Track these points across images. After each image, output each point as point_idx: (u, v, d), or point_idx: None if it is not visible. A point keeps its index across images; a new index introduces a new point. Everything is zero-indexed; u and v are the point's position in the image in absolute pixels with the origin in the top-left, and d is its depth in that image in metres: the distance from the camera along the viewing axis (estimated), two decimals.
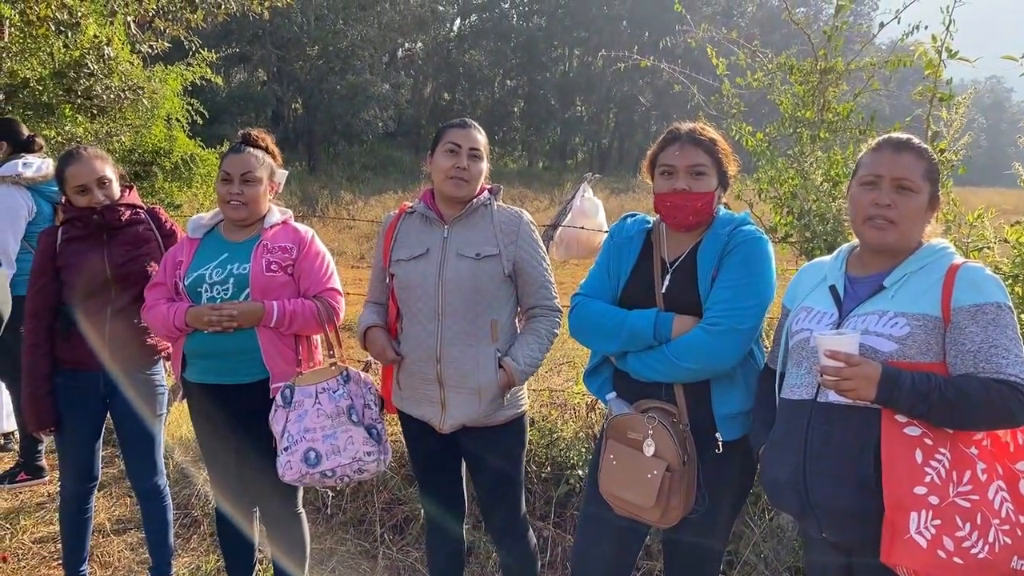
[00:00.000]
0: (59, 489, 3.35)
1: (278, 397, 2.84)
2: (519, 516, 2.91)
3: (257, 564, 3.32)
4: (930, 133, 3.46)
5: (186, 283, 2.89)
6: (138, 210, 3.25)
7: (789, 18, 3.98)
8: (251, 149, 2.97)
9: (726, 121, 3.93)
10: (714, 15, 34.05)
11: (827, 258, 2.31)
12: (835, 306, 2.11)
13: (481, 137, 2.77)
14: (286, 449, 2.77)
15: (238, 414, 2.93)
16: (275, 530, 3.11)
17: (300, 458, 2.73)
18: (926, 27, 3.71)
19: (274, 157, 3.06)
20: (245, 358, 2.87)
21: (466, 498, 3.04)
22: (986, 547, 1.81)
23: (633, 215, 2.64)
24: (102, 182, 3.13)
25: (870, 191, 2.06)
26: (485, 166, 2.78)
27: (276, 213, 3.04)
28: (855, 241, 2.21)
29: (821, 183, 3.64)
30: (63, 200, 3.21)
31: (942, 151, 3.36)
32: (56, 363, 3.13)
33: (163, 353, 3.30)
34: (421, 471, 3.00)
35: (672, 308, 2.36)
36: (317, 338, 3.09)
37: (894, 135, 2.13)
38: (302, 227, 3.06)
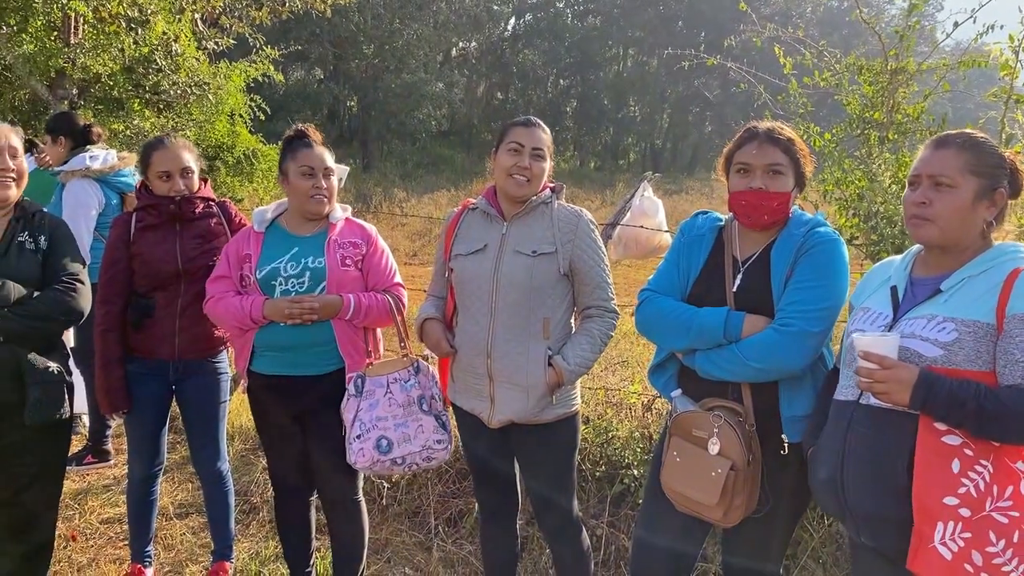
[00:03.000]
0: (127, 471, 3.44)
1: (350, 386, 2.89)
2: (571, 516, 2.90)
3: (314, 552, 3.38)
4: (1004, 136, 3.38)
5: (259, 276, 2.93)
6: (211, 203, 3.31)
7: (860, 18, 3.91)
8: (319, 144, 3.02)
9: (792, 120, 3.88)
10: (772, 15, 33.52)
11: (898, 257, 2.27)
12: (891, 308, 2.08)
13: (545, 136, 2.78)
14: (358, 437, 2.83)
15: (307, 404, 2.98)
16: (335, 517, 3.15)
17: (372, 445, 2.80)
18: (1001, 27, 3.63)
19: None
20: (321, 349, 2.93)
21: (520, 493, 3.05)
22: (1021, 566, 1.76)
23: (705, 213, 2.62)
24: (186, 172, 3.21)
25: (913, 191, 2.04)
26: (548, 165, 2.78)
27: (339, 208, 3.08)
28: None
29: (889, 185, 3.57)
30: (137, 187, 3.28)
31: (1017, 154, 3.27)
32: (127, 350, 3.21)
33: (226, 345, 3.38)
34: (474, 465, 3.02)
35: (743, 307, 2.34)
36: (379, 331, 3.14)
37: (942, 133, 2.09)
38: (366, 223, 3.12)
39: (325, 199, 2.96)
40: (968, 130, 2.08)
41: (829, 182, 3.74)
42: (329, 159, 3.00)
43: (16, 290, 2.56)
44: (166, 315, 3.16)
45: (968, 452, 1.83)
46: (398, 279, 3.09)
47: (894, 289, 2.11)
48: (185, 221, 3.20)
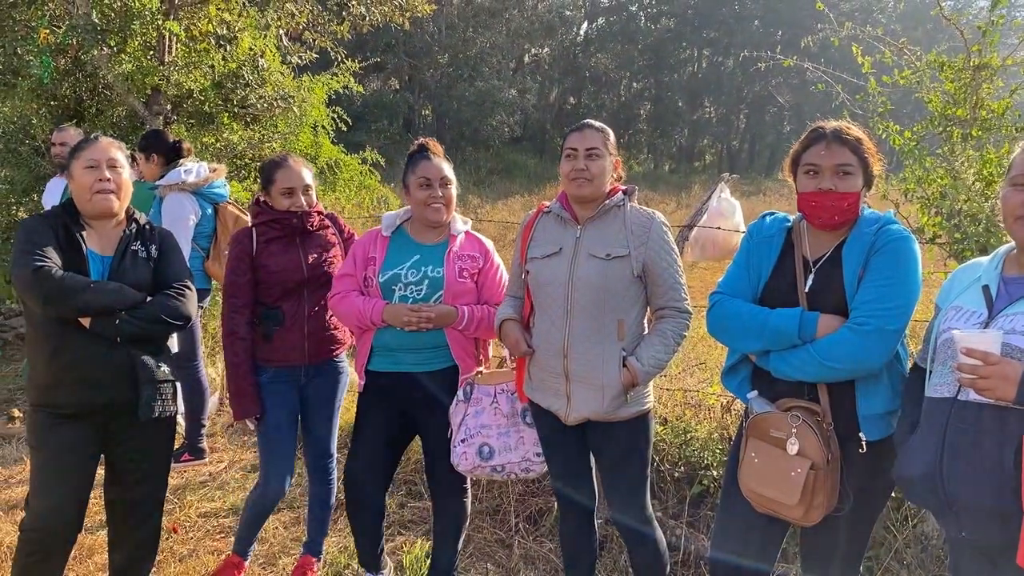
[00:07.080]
0: (258, 485, 3.43)
1: (460, 392, 3.05)
2: (644, 513, 2.93)
3: (384, 543, 3.47)
4: None
5: (381, 280, 3.09)
6: (325, 216, 3.49)
7: (940, 14, 3.84)
8: (438, 156, 3.19)
9: (871, 119, 3.84)
10: (852, 12, 32.65)
11: (984, 259, 2.26)
12: (985, 306, 2.07)
13: (599, 135, 2.82)
14: (463, 441, 3.00)
15: (423, 398, 3.13)
16: (442, 493, 3.31)
17: (475, 451, 2.98)
18: None
19: None
20: (434, 352, 3.11)
21: (597, 490, 3.11)
22: None
23: (772, 214, 2.64)
24: (307, 189, 3.37)
25: (1021, 191, 2.02)
26: (608, 162, 2.82)
27: (459, 221, 3.24)
28: (1013, 242, 2.16)
29: (973, 183, 3.51)
30: (255, 201, 3.42)
31: None
32: (260, 362, 3.29)
33: (346, 345, 3.51)
34: (552, 461, 3.08)
35: (815, 307, 2.36)
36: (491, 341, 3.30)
37: None
38: (484, 238, 3.27)
39: (442, 207, 3.12)
40: None
41: (910, 181, 3.69)
42: (447, 170, 3.17)
43: (132, 295, 2.76)
44: (295, 322, 3.30)
45: None
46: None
47: (986, 288, 2.10)
48: (305, 233, 3.36)
